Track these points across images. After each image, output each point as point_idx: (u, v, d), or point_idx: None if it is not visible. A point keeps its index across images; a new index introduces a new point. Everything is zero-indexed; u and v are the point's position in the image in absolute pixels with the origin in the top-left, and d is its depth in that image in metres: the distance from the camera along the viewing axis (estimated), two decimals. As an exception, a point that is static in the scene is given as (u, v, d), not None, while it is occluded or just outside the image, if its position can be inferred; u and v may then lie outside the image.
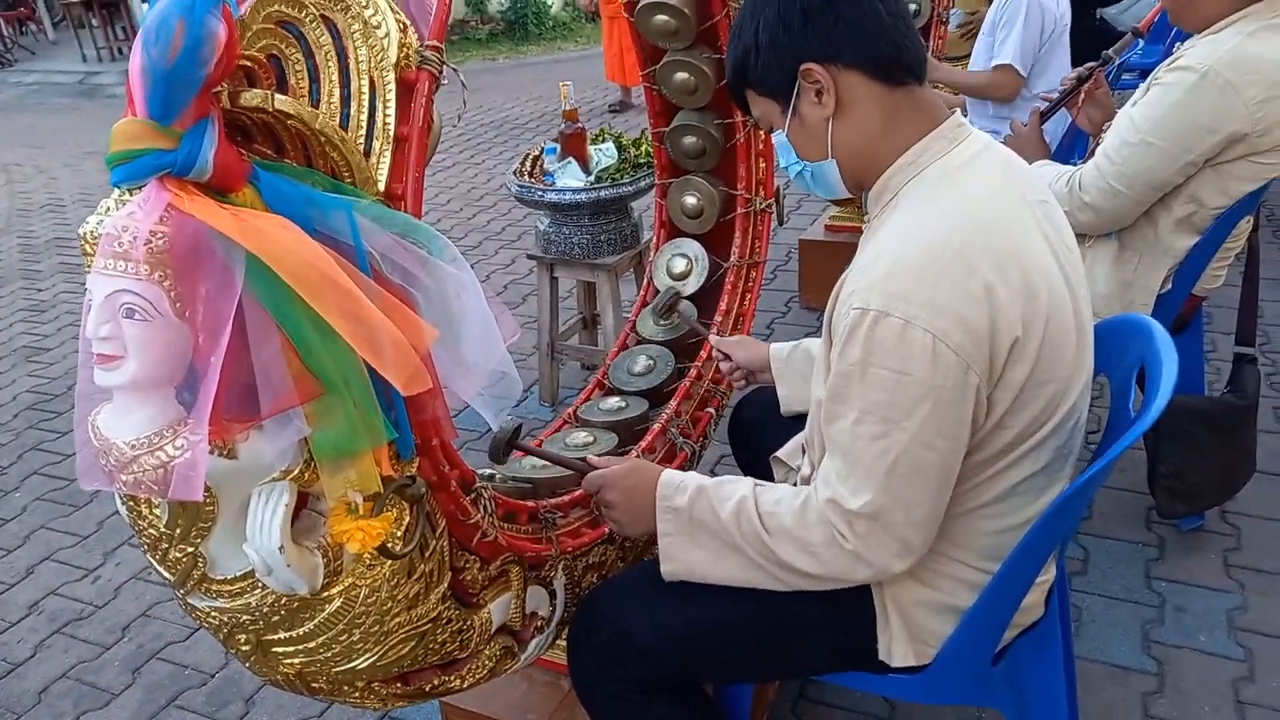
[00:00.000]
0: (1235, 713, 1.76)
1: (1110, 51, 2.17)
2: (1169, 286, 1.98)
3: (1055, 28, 2.78)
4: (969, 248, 1.05)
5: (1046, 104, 2.24)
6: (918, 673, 1.25)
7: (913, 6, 3.75)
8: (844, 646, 1.27)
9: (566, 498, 1.38)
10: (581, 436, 1.62)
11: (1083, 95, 2.19)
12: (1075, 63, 2.48)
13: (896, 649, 1.24)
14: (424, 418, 0.98)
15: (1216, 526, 2.24)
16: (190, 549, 0.95)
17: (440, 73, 1.06)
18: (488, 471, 1.35)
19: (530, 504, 1.30)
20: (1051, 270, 1.09)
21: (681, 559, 1.24)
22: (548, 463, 1.39)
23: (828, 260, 3.37)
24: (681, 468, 1.71)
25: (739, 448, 1.76)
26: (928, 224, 1.09)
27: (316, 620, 0.99)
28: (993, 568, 1.18)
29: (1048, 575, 1.30)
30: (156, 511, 0.94)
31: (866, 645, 1.25)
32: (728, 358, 1.67)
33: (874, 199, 1.20)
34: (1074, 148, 2.55)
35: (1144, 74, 2.26)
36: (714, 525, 1.21)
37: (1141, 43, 3.80)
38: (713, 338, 1.71)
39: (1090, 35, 3.93)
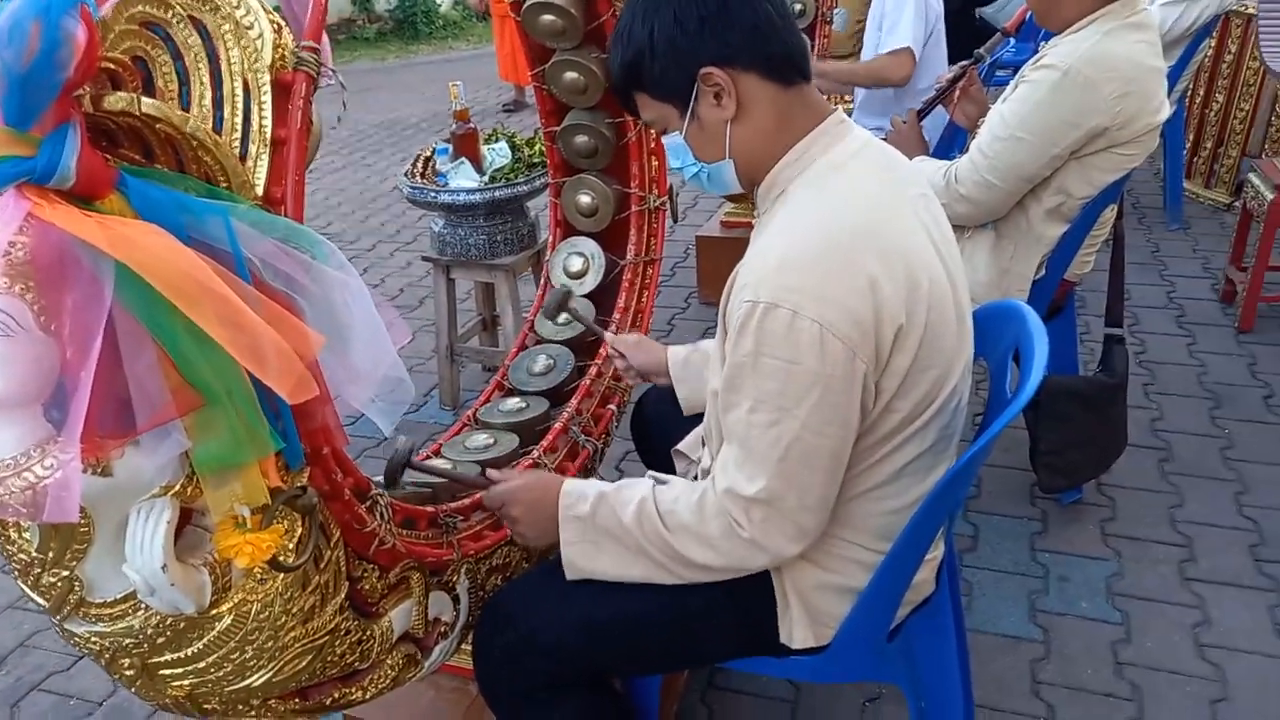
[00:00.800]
0: (1115, 674, 1.86)
1: (981, 50, 2.27)
2: (1043, 273, 2.08)
3: (936, 24, 2.88)
4: (854, 241, 1.08)
5: (924, 101, 2.33)
6: (818, 654, 1.29)
7: (797, 6, 3.84)
8: (747, 632, 1.30)
9: (467, 501, 1.37)
10: (482, 439, 1.60)
11: (958, 92, 2.28)
12: (956, 59, 2.58)
13: (797, 632, 1.27)
14: (313, 426, 0.96)
15: (1094, 499, 2.37)
16: (65, 573, 0.90)
17: (318, 73, 1.04)
18: (380, 478, 1.32)
19: (430, 509, 1.28)
20: (932, 260, 1.14)
21: (586, 566, 1.26)
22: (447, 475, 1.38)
23: (725, 255, 3.41)
24: (584, 466, 1.72)
25: (642, 442, 1.78)
26: (815, 218, 1.12)
27: (206, 639, 0.96)
28: (885, 548, 1.22)
29: (937, 552, 1.35)
30: (27, 535, 0.90)
31: (768, 630, 1.28)
32: (623, 356, 1.68)
33: (763, 194, 1.23)
34: (952, 142, 2.65)
35: (1016, 70, 2.37)
36: (617, 530, 1.23)
37: (1013, 41, 3.99)
38: (609, 336, 1.72)
39: (970, 34, 4.10)
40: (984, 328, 1.37)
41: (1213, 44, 4.03)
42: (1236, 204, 3.65)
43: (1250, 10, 3.73)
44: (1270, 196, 2.93)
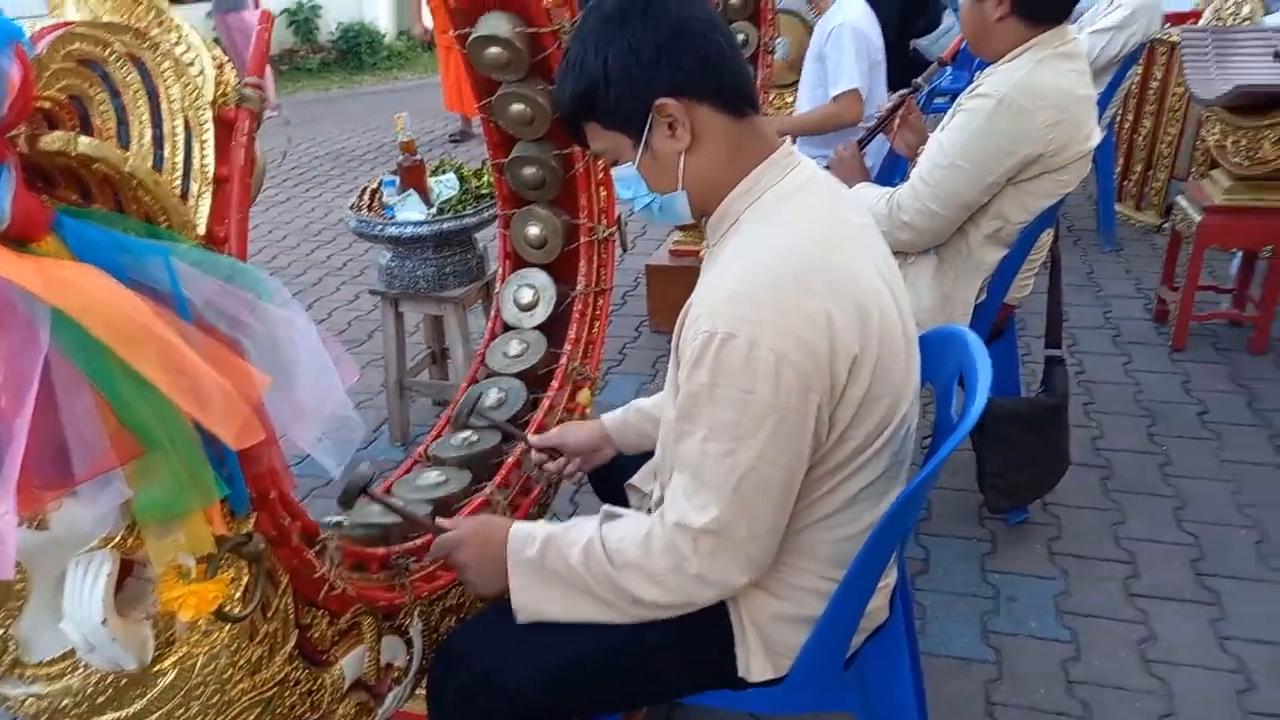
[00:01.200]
0: (1066, 692, 1.89)
1: (919, 80, 2.32)
2: (984, 297, 2.13)
3: (875, 56, 2.95)
4: (806, 272, 1.10)
5: (865, 130, 2.38)
6: (776, 685, 1.29)
7: (740, 36, 3.91)
8: (705, 667, 1.29)
9: (420, 541, 1.35)
10: (434, 476, 1.58)
11: (897, 121, 2.33)
12: (894, 88, 2.65)
13: (754, 664, 1.27)
14: (259, 469, 0.94)
15: (1040, 518, 2.41)
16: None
17: (261, 110, 1.03)
18: (333, 519, 1.30)
19: (381, 551, 1.26)
20: (880, 290, 1.16)
21: (536, 609, 1.25)
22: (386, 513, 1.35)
23: (675, 284, 3.43)
24: (538, 500, 1.70)
25: (595, 476, 1.77)
26: (768, 250, 1.13)
27: (149, 696, 0.92)
28: (840, 575, 1.23)
29: (890, 579, 1.36)
30: (-44, 593, 0.86)
31: (726, 664, 1.28)
32: (555, 455, 1.62)
33: (714, 225, 1.24)
34: (894, 170, 2.71)
35: (954, 98, 2.43)
36: (565, 572, 1.22)
37: (950, 69, 4.10)
38: (531, 438, 1.65)
39: (905, 64, 4.20)
40: (929, 353, 1.39)
41: (1140, 71, 4.18)
42: (1166, 226, 3.78)
43: (1174, 38, 3.88)
44: (1197, 219, 3.04)
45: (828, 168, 2.32)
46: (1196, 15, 3.91)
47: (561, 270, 1.97)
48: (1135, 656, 1.97)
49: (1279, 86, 2.74)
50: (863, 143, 2.38)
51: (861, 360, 1.10)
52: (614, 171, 1.25)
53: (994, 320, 2.19)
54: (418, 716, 1.49)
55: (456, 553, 1.31)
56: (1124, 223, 4.36)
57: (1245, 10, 3.54)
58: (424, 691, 1.31)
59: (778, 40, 4.00)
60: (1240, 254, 3.34)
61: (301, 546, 1.02)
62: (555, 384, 1.79)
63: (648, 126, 1.16)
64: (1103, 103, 3.82)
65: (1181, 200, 3.22)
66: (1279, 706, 1.82)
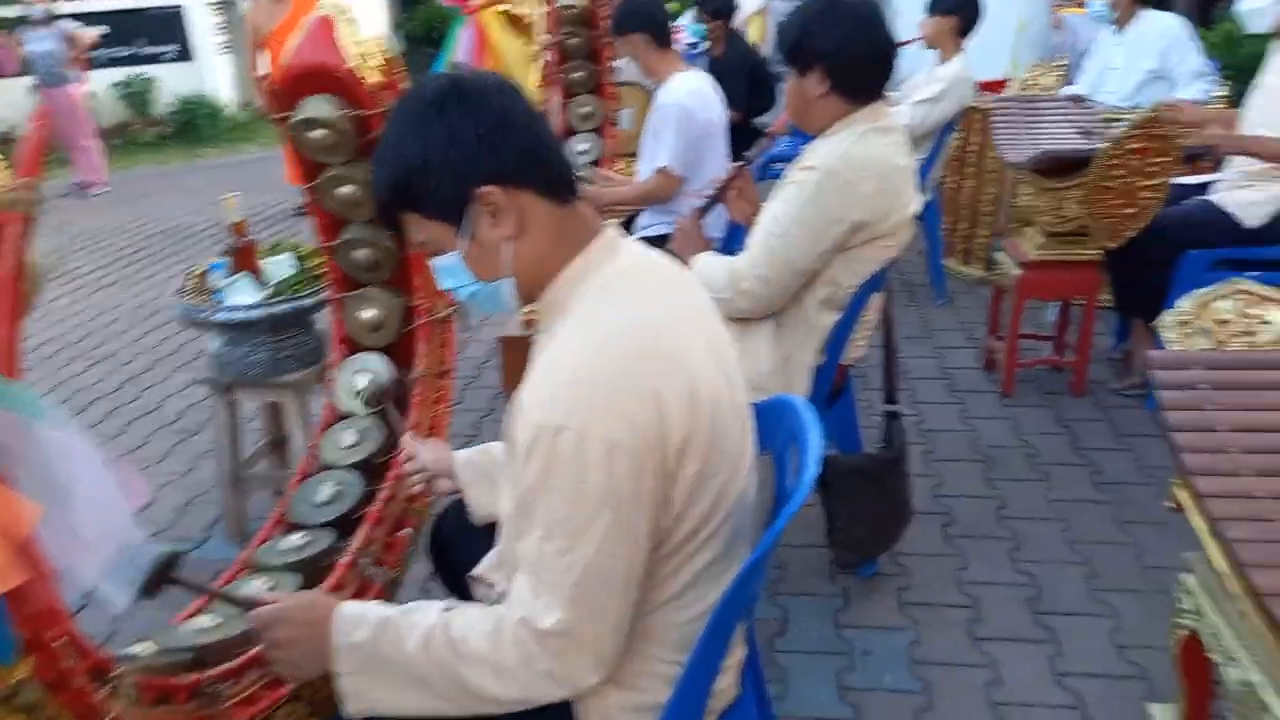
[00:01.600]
0: (921, 743, 1.93)
1: (749, 154, 2.41)
2: (822, 359, 2.20)
3: (704, 130, 3.05)
4: (638, 357, 1.10)
5: (703, 201, 2.44)
6: (626, 776, 1.25)
7: (586, 109, 3.99)
8: (551, 763, 1.25)
9: (237, 662, 1.25)
10: (259, 584, 1.48)
11: (734, 192, 2.40)
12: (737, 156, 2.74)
13: (602, 757, 1.23)
14: (32, 610, 0.85)
15: (890, 569, 2.48)
16: None
17: (34, 212, 0.96)
18: (134, 650, 1.19)
19: (190, 679, 1.16)
20: (711, 370, 1.17)
21: (366, 696, 1.17)
22: (215, 625, 1.25)
23: (529, 354, 3.39)
24: (378, 600, 1.62)
25: (441, 566, 1.71)
26: (596, 335, 1.13)
27: None
28: (685, 658, 1.21)
29: (737, 655, 1.35)
30: None
31: (572, 759, 1.23)
32: (413, 458, 1.61)
33: (543, 312, 1.23)
34: (735, 238, 2.78)
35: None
36: (400, 659, 1.16)
37: (787, 139, 4.29)
38: (406, 438, 1.65)
39: (753, 136, 4.38)
40: (764, 423, 1.41)
41: (960, 136, 4.48)
42: (991, 278, 4.02)
43: (986, 106, 4.19)
44: (1015, 273, 3.25)
45: (672, 236, 2.38)
46: (1005, 84, 4.23)
47: (400, 353, 1.91)
48: (983, 701, 2.03)
49: (1079, 151, 2.98)
50: (702, 212, 2.44)
51: (693, 440, 1.11)
52: (435, 262, 1.23)
53: (833, 381, 2.26)
54: None
55: (275, 629, 1.20)
56: (954, 277, 4.62)
57: (1047, 81, 3.87)
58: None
59: (621, 111, 4.10)
60: (1057, 303, 3.59)
61: (87, 690, 0.92)
62: (392, 473, 1.73)
63: (470, 215, 1.15)
64: (928, 166, 4.08)
65: (999, 256, 3.44)
66: (1114, 738, 1.91)
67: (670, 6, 5.65)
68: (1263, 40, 3.21)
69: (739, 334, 2.19)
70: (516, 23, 3.68)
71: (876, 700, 2.05)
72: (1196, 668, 1.69)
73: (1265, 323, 1.81)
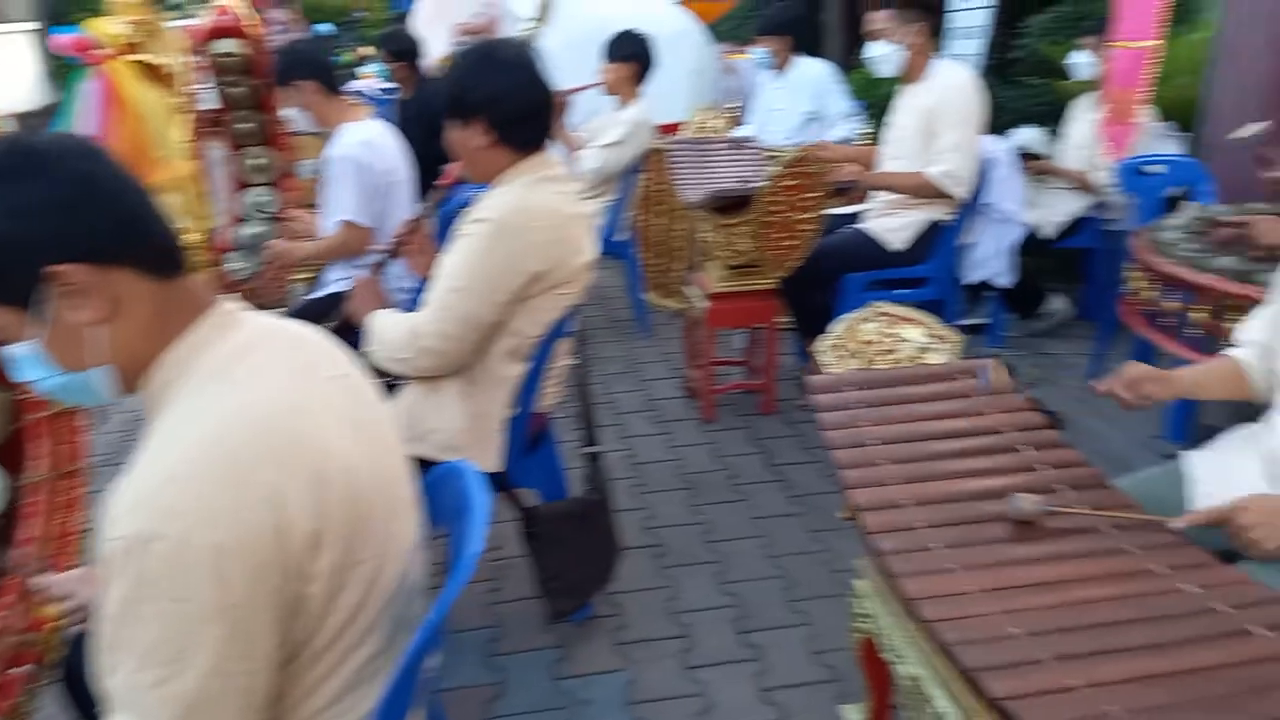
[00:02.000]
0: (640, 786, 1.92)
1: (423, 206, 2.35)
2: (514, 411, 2.16)
3: (384, 180, 2.94)
4: (250, 446, 0.98)
5: (379, 256, 2.34)
6: None
7: (262, 161, 3.74)
8: None
9: None
10: None
11: (410, 245, 2.32)
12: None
13: None
14: None
15: (604, 609, 2.48)
16: None
17: None
18: None
19: None
20: (346, 450, 1.07)
21: None
22: None
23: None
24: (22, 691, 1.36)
25: (78, 704, 1.46)
26: (203, 424, 1.00)
27: None
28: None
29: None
30: None
31: None
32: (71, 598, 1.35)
33: (147, 402, 1.08)
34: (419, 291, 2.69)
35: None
36: None
37: (475, 187, 4.25)
38: (51, 580, 1.38)
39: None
40: (434, 494, 1.34)
41: (647, 176, 4.68)
42: (684, 310, 4.22)
43: (666, 147, 4.40)
44: (703, 305, 3.41)
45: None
46: (679, 127, 4.47)
47: (10, 456, 1.64)
48: (697, 730, 2.06)
49: (744, 190, 3.19)
50: (378, 267, 2.33)
51: (324, 531, 1.01)
52: (7, 352, 1.05)
53: (528, 430, 2.23)
54: None
55: None
56: (656, 310, 4.80)
57: (718, 123, 4.13)
58: None
59: (301, 163, 3.89)
60: (746, 330, 3.82)
61: None
62: (7, 599, 1.46)
63: (43, 298, 0.99)
64: (619, 207, 4.22)
65: (687, 290, 3.61)
66: (817, 745, 2.01)
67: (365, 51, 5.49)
68: (894, 82, 3.61)
69: (426, 394, 2.11)
70: (154, 73, 3.35)
71: (597, 749, 2.03)
72: (876, 666, 1.81)
73: (904, 340, 2.01)
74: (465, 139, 2.04)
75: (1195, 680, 1.03)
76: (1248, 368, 1.79)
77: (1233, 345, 1.87)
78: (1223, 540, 1.63)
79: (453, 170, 2.26)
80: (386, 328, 2.10)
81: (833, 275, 3.30)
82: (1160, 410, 3.25)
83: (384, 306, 2.25)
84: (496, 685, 2.23)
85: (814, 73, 4.77)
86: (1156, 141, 4.04)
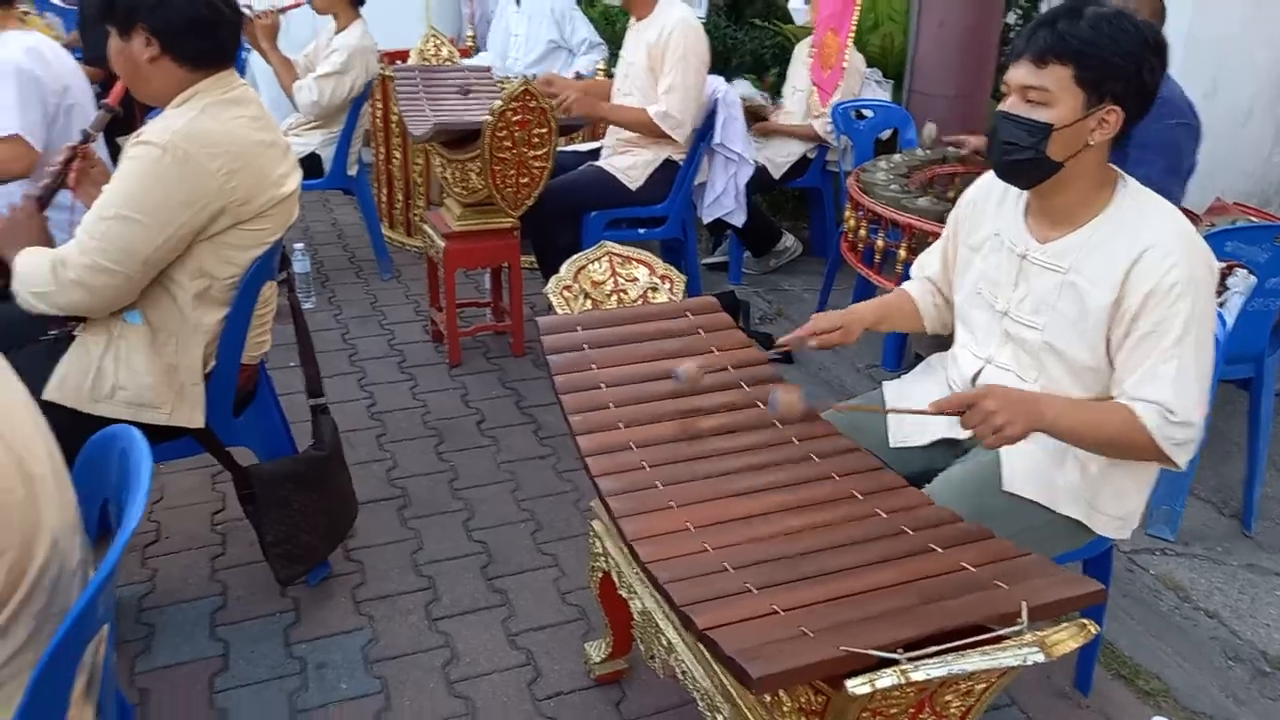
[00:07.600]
0: (381, 749, 1.84)
1: (88, 128, 2.04)
2: (216, 362, 1.96)
3: (56, 101, 2.52)
4: None
5: (40, 188, 2.01)
6: None
7: None
8: None
9: None
10: None
11: (74, 174, 2.01)
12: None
13: None
14: None
15: (343, 567, 2.34)
16: None
17: None
18: None
19: None
20: None
21: None
22: None
23: None
24: None
25: None
26: None
27: None
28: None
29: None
30: None
31: None
32: None
33: None
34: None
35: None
36: None
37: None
38: None
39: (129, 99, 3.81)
40: (95, 470, 1.17)
41: (377, 105, 4.39)
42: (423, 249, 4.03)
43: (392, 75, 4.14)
44: (442, 244, 3.26)
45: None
46: (407, 54, 4.22)
47: None
48: (442, 682, 2.00)
49: (468, 124, 3.03)
50: (42, 201, 1.99)
51: None
52: None
53: (236, 384, 2.04)
54: None
55: None
56: (399, 249, 4.57)
57: (445, 52, 3.92)
58: None
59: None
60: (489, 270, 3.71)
61: None
62: None
63: None
64: (346, 140, 3.94)
65: (426, 228, 3.43)
66: (562, 685, 2.00)
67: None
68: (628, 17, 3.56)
69: (105, 348, 1.86)
70: None
71: (334, 715, 1.92)
72: (614, 603, 1.83)
73: (633, 280, 1.99)
74: (129, 51, 1.78)
75: (882, 596, 1.09)
76: (920, 301, 1.93)
77: (909, 279, 2.00)
78: (918, 462, 1.76)
79: (118, 89, 1.97)
80: (28, 265, 1.80)
81: (574, 213, 3.25)
82: (879, 340, 3.52)
83: (41, 243, 1.92)
84: (217, 660, 2.05)
85: (551, -1, 4.62)
86: (866, 87, 4.30)
